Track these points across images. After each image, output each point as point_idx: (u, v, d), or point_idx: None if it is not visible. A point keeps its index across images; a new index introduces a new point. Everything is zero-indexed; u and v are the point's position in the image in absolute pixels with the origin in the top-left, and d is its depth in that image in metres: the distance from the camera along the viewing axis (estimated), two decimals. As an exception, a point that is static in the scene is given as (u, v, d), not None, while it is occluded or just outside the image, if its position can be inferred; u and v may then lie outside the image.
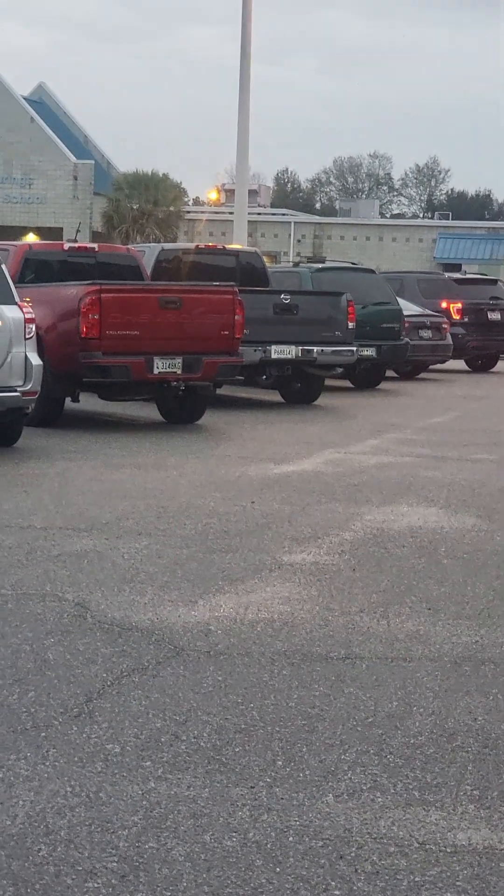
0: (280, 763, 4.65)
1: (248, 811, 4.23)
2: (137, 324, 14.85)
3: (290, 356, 18.52)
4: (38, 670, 5.64)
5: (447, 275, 33.78)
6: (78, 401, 15.54)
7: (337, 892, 3.71)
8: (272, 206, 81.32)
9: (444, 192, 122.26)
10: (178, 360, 15.06)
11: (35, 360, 12.85)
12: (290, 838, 4.04)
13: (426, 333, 25.79)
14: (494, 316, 29.42)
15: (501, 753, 4.82)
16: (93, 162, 57.24)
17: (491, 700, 5.43)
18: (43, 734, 4.87)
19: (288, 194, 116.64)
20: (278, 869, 3.83)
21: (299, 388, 19.44)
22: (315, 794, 4.39)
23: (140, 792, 4.35)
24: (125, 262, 17.78)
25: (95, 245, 18.61)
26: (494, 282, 32.37)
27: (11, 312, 12.70)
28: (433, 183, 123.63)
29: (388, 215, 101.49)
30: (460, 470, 12.36)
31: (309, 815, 4.22)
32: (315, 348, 18.66)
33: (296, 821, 4.17)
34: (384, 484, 11.29)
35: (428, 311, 26.75)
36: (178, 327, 15.16)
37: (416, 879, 3.80)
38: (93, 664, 5.75)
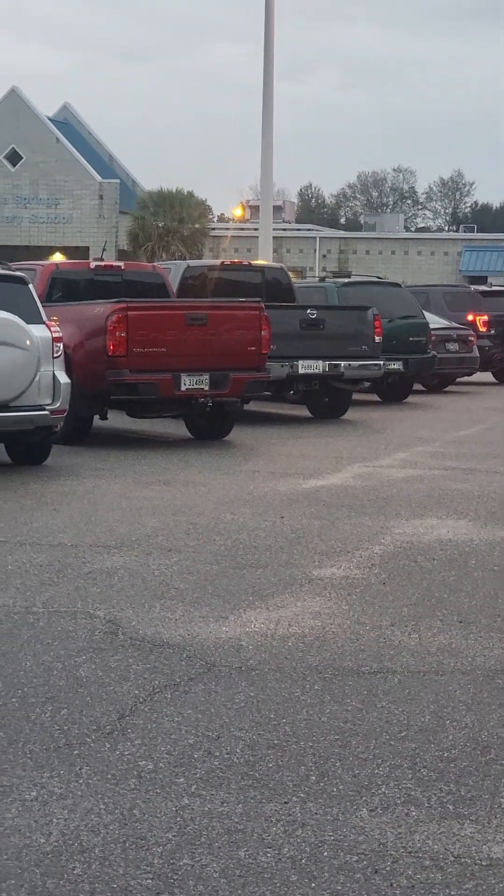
0: (313, 778, 4.65)
1: (283, 826, 4.22)
2: (164, 341, 14.89)
3: (317, 371, 18.53)
4: (71, 688, 5.64)
5: (473, 287, 33.72)
6: (106, 418, 15.57)
7: (372, 907, 3.70)
8: (297, 221, 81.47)
9: (468, 204, 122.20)
10: (206, 377, 15.08)
11: (63, 378, 12.90)
12: (325, 853, 4.03)
13: (453, 346, 25.74)
14: (521, 327, 29.32)
15: (536, 766, 4.80)
16: (118, 181, 57.46)
17: (524, 712, 5.41)
18: (76, 752, 4.87)
19: (313, 209, 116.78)
20: (313, 884, 3.82)
21: (327, 402, 19.43)
22: (349, 808, 4.38)
23: (174, 808, 4.35)
24: (151, 279, 17.83)
25: (122, 263, 18.67)
26: (520, 293, 32.27)
27: (39, 332, 12.75)
28: (458, 196, 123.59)
29: (412, 229, 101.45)
30: (489, 482, 12.33)
31: (343, 829, 4.21)
32: (342, 363, 18.67)
33: (330, 836, 4.16)
34: (413, 497, 11.27)
35: (454, 324, 26.71)
36: (205, 344, 15.18)
37: (452, 893, 3.78)
38: (125, 681, 5.75)
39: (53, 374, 12.80)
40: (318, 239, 61.56)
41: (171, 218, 53.99)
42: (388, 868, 3.93)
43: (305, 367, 18.40)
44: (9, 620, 6.81)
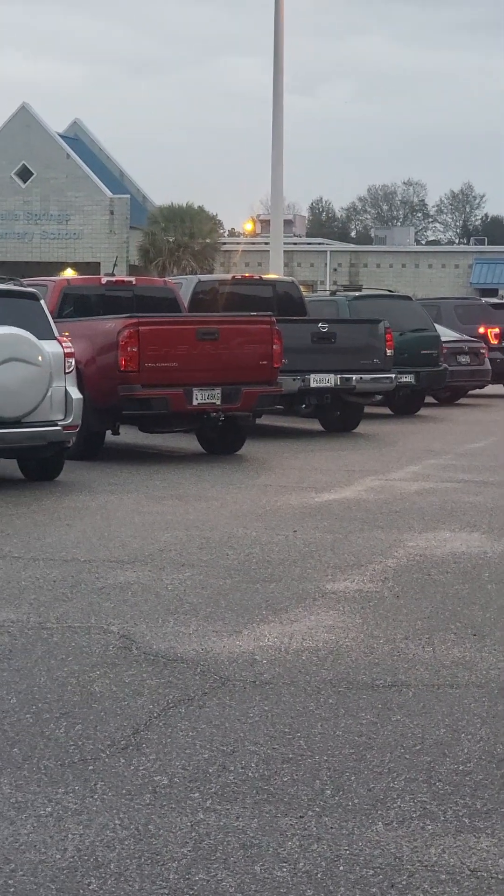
0: (329, 792, 4.64)
1: (298, 841, 4.21)
2: (176, 356, 14.91)
3: (329, 385, 18.53)
4: (85, 703, 5.64)
5: (484, 300, 33.72)
6: (118, 433, 15.59)
7: (389, 922, 3.69)
8: (308, 235, 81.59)
9: (478, 217, 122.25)
10: (217, 391, 15.09)
11: (75, 394, 12.92)
12: (341, 867, 4.02)
13: (464, 359, 25.73)
14: (533, 340, 29.30)
15: (551, 779, 4.79)
16: (128, 196, 57.58)
17: (539, 725, 5.40)
18: (91, 767, 4.87)
19: (323, 223, 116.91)
20: (329, 899, 3.81)
21: (339, 416, 19.43)
22: (364, 822, 4.37)
23: (189, 823, 4.35)
24: (162, 294, 17.86)
25: (133, 278, 18.71)
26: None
27: (51, 347, 12.77)
28: (468, 209, 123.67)
29: (423, 242, 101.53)
30: (502, 495, 12.31)
31: (359, 843, 4.20)
32: (354, 376, 18.67)
33: (346, 850, 4.15)
34: (426, 510, 11.26)
35: (466, 337, 26.70)
36: (217, 358, 15.20)
37: (469, 907, 3.77)
38: (139, 696, 5.75)
39: (65, 389, 12.82)
40: (328, 253, 61.61)
41: (181, 233, 54.11)
42: (404, 882, 3.92)
43: (317, 380, 18.41)
44: (23, 636, 6.82)
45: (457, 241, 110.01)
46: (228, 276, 22.49)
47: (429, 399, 24.63)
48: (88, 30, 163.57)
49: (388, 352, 19.37)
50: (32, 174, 56.51)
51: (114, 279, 17.73)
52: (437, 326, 24.41)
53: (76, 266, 52.14)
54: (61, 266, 52.01)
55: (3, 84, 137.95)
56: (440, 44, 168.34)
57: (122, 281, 17.96)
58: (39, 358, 12.52)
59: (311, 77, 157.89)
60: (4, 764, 4.91)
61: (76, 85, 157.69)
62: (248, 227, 72.92)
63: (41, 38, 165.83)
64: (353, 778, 4.78)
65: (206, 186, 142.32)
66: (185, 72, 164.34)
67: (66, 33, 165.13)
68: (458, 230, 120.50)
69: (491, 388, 28.28)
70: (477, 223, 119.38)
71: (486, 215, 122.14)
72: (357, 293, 24.20)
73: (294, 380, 17.90)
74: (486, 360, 26.39)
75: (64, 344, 12.97)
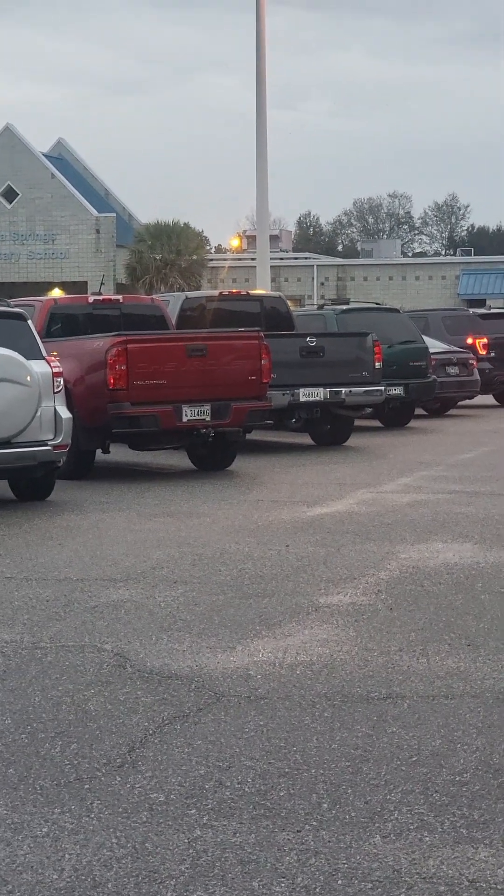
0: (325, 805, 4.63)
1: (296, 855, 4.20)
2: (164, 373, 14.92)
3: (318, 398, 18.55)
4: (80, 721, 5.63)
5: (472, 310, 33.76)
6: (108, 452, 15.58)
7: (388, 934, 3.68)
8: (294, 250, 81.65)
9: (464, 228, 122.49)
10: (207, 408, 15.10)
11: (65, 413, 12.92)
12: (339, 881, 4.01)
13: (453, 370, 25.77)
14: (522, 349, 29.33)
15: (548, 787, 4.78)
16: (114, 215, 57.66)
17: (535, 734, 5.39)
18: (87, 786, 4.86)
19: (310, 238, 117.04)
20: (328, 913, 3.80)
21: (329, 429, 19.44)
22: (362, 835, 4.36)
23: (186, 840, 4.34)
24: (150, 312, 17.88)
25: (120, 297, 18.71)
26: (519, 315, 32.27)
27: (39, 367, 12.78)
28: (454, 220, 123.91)
29: (410, 254, 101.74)
30: (494, 505, 12.32)
31: (357, 857, 4.19)
32: (343, 389, 18.69)
33: (344, 863, 4.14)
34: (418, 522, 11.26)
35: (454, 348, 26.73)
36: (206, 374, 15.21)
37: (468, 918, 3.76)
38: (134, 713, 5.74)
39: (55, 409, 12.82)
40: (315, 267, 61.75)
41: (168, 250, 54.12)
42: (402, 895, 3.91)
43: (306, 394, 18.42)
44: (17, 656, 6.80)
45: (443, 252, 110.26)
46: (216, 293, 22.51)
47: (419, 411, 24.65)
48: (68, 51, 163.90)
49: (377, 364, 19.39)
50: (18, 194, 56.56)
51: (101, 298, 17.74)
52: (426, 338, 24.44)
53: (63, 285, 52.13)
54: (48, 286, 52.01)
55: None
56: (420, 58, 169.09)
57: (109, 299, 17.97)
58: (28, 378, 12.52)
59: (294, 91, 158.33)
60: (0, 785, 4.89)
61: (58, 106, 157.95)
62: (235, 243, 72.97)
63: (23, 59, 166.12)
64: (349, 791, 4.77)
65: (191, 203, 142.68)
66: (166, 90, 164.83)
67: (46, 56, 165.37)
68: (444, 241, 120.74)
69: (480, 399, 28.31)
70: (463, 234, 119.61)
71: (471, 226, 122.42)
72: (345, 307, 24.22)
73: (283, 394, 17.92)
74: (475, 370, 26.43)
75: (52, 363, 12.98)
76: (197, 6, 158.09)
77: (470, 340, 28.42)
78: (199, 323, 19.27)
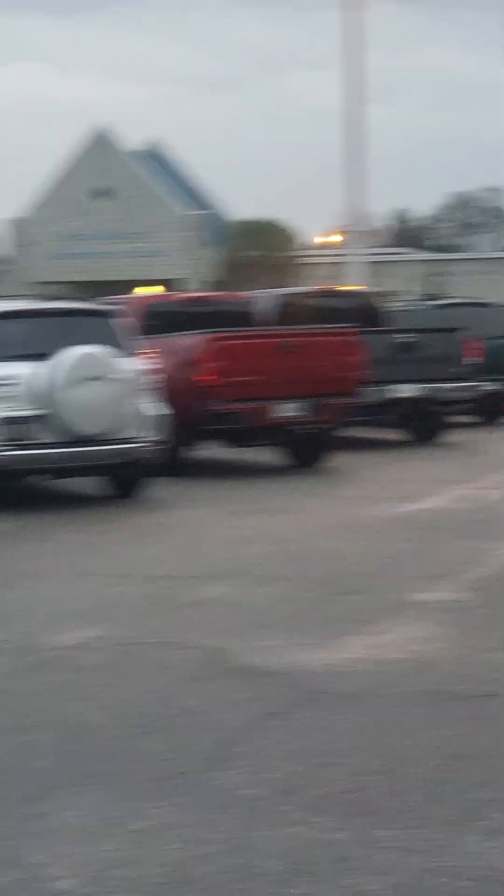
0: (420, 803, 4.60)
1: (391, 853, 4.18)
2: (256, 369, 14.91)
3: (413, 394, 18.43)
4: (176, 717, 5.65)
5: None
6: (201, 449, 15.61)
7: (485, 934, 3.65)
8: (389, 245, 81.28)
9: None
10: (300, 404, 15.07)
11: (159, 410, 12.97)
12: (435, 879, 3.98)
13: None
14: None
15: None
16: (206, 212, 57.82)
17: None
18: (183, 781, 4.87)
19: (405, 233, 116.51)
20: (424, 911, 3.78)
21: (423, 425, 19.31)
22: (458, 833, 4.33)
23: (281, 836, 4.33)
24: (243, 308, 17.90)
25: (213, 294, 18.77)
26: None
27: (134, 364, 12.84)
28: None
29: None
30: None
31: (452, 855, 4.16)
32: (438, 385, 18.55)
33: (440, 862, 4.11)
34: (514, 518, 11.16)
35: None
36: (298, 371, 15.17)
37: None
38: (229, 710, 5.75)
39: (149, 405, 12.88)
40: (411, 262, 61.40)
41: (261, 247, 54.18)
42: (499, 894, 3.88)
43: (400, 390, 18.32)
44: (115, 652, 6.85)
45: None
46: (309, 289, 22.48)
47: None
48: (153, 51, 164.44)
49: (474, 360, 19.23)
50: (109, 193, 56.93)
51: (195, 295, 17.81)
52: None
53: (155, 283, 52.41)
54: (141, 284, 52.32)
55: (76, 107, 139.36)
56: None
57: (203, 296, 18.03)
58: (120, 375, 12.58)
59: (389, 86, 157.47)
60: (96, 780, 4.92)
61: (147, 105, 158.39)
62: (329, 238, 72.87)
63: (115, 59, 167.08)
64: (445, 789, 4.73)
65: (285, 200, 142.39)
66: (256, 88, 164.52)
67: (136, 55, 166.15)
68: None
69: None
70: None
71: None
72: (441, 302, 24.05)
73: (377, 390, 17.83)
74: None
75: (147, 361, 13.04)
76: (284, 3, 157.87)
77: None
78: (293, 319, 19.23)
